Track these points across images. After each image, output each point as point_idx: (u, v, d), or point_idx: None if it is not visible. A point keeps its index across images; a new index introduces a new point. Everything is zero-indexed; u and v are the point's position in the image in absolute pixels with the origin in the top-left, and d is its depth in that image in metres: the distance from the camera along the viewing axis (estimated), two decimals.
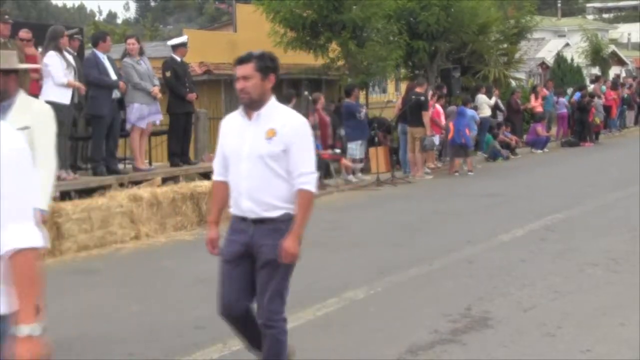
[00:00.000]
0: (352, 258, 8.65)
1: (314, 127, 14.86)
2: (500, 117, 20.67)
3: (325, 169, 15.23)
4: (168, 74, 11.88)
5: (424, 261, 8.26)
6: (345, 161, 15.18)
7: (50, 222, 9.10)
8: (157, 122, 11.88)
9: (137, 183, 10.86)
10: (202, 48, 17.54)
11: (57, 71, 10.05)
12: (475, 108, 18.84)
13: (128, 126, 11.39)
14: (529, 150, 21.14)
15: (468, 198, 13.25)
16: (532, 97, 22.76)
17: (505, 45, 23.59)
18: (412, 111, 16.12)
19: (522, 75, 29.07)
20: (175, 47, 12.06)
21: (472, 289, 7.09)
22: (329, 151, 15.13)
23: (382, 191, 14.49)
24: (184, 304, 6.89)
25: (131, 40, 11.62)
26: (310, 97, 16.18)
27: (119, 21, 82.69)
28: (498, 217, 11.16)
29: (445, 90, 18.48)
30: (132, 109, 11.29)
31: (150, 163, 12.10)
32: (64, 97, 10.14)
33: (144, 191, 10.23)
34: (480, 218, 11.15)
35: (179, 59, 12.03)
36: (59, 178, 10.32)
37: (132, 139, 11.53)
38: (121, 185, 10.58)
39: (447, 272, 7.86)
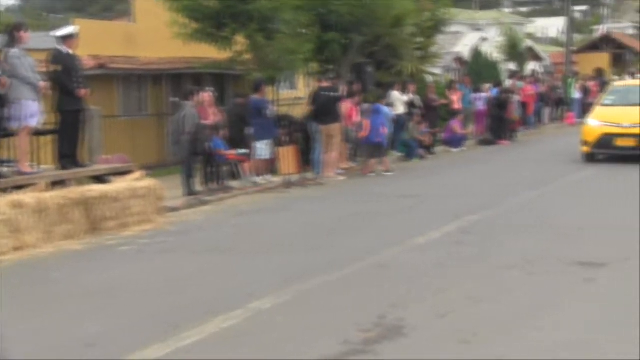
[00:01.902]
0: (259, 265, 8.61)
1: (215, 127, 14.76)
2: (416, 114, 20.95)
3: (231, 170, 15.15)
4: (56, 67, 11.54)
5: (335, 267, 8.28)
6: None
7: None
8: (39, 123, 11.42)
9: (20, 188, 10.50)
10: (95, 40, 17.17)
11: None
12: (389, 105, 19.05)
13: (16, 124, 10.97)
14: (445, 149, 21.53)
15: (382, 199, 13.39)
16: (449, 92, 23.15)
17: (420, 39, 23.94)
18: (326, 108, 16.21)
19: (438, 71, 29.60)
20: (63, 39, 11.73)
21: (386, 295, 7.14)
22: (235, 151, 15.04)
23: (292, 193, 14.50)
24: (74, 319, 6.71)
25: (27, 30, 11.23)
26: (216, 94, 16.07)
27: (2, 9, 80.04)
28: (413, 219, 11.32)
29: (358, 86, 18.64)
30: (22, 106, 10.84)
31: (35, 166, 11.73)
32: None
33: (27, 197, 9.90)
34: (395, 220, 11.28)
35: (67, 51, 11.70)
36: None
37: (20, 139, 11.08)
38: (2, 190, 10.21)
39: (360, 277, 7.90)
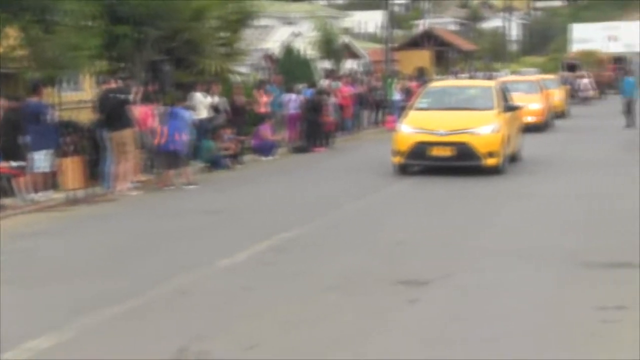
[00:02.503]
0: (37, 297, 8.34)
1: None
2: (221, 119, 21.04)
3: (3, 185, 14.62)
4: None
5: (128, 295, 8.15)
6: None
7: None
8: None
9: None
10: None
11: None
12: (190, 108, 18.98)
13: None
14: (255, 157, 21.72)
15: (183, 216, 13.34)
16: (258, 93, 23.35)
17: (225, 34, 24.06)
18: (115, 112, 15.96)
19: (245, 69, 29.86)
20: None
21: (187, 325, 7.11)
22: (7, 163, 14.52)
23: (77, 211, 14.17)
24: None
25: None
26: None
27: None
28: (219, 238, 11.35)
29: (155, 87, 18.45)
30: None
31: None
32: None
33: None
34: (198, 240, 11.27)
35: None
36: None
37: None
38: None
39: (157, 306, 7.83)
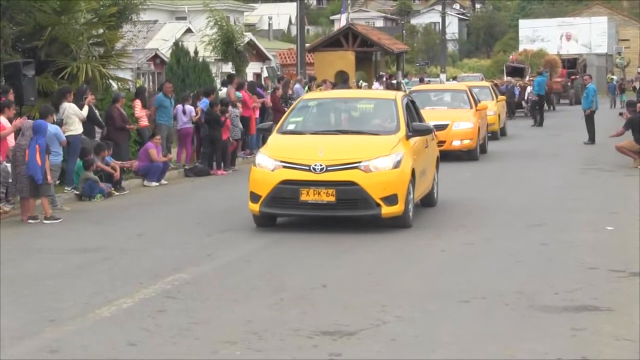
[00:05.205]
0: None
1: None
2: (98, 136, 20.86)
3: None
4: None
5: None
6: None
7: None
8: None
9: None
10: None
11: None
12: (61, 123, 18.76)
13: None
14: (140, 182, 21.57)
15: (51, 256, 13.17)
16: (137, 103, 23.19)
17: (100, 31, 23.89)
18: None
19: (127, 75, 29.68)
20: None
21: None
22: None
23: None
24: None
25: None
26: None
27: None
28: (96, 282, 11.23)
29: (12, 96, 18.22)
30: None
31: None
32: None
33: None
34: (70, 285, 11.16)
35: None
36: None
37: None
38: None
39: None
